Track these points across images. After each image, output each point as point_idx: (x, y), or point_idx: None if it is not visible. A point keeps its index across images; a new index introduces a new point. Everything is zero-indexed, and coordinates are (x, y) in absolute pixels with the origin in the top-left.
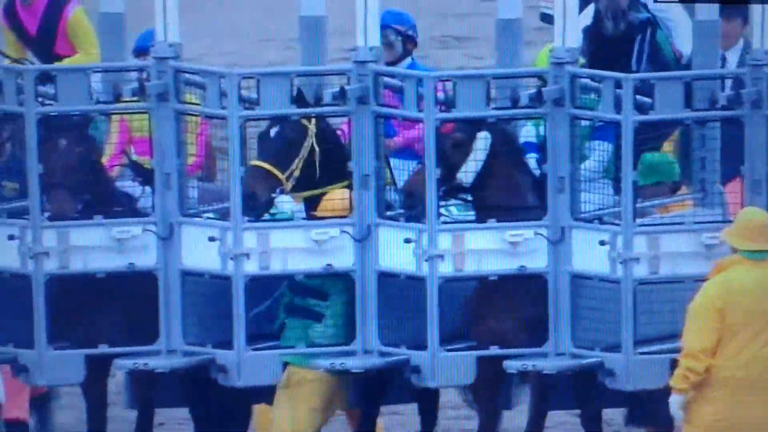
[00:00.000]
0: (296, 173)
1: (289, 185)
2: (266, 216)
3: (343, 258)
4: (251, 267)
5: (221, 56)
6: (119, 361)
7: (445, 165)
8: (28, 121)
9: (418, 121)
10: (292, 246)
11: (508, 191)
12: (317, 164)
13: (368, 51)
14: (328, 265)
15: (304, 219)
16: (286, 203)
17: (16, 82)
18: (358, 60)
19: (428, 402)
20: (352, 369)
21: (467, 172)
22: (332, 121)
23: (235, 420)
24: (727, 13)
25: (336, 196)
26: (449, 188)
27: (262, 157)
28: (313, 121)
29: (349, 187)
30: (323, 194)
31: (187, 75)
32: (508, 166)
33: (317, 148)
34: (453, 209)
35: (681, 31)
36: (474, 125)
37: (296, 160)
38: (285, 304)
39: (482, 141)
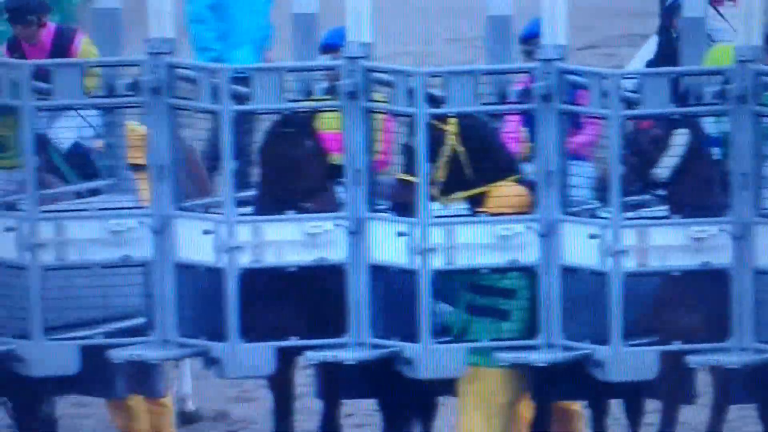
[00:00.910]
0: (440, 178)
1: (435, 190)
2: None
3: (526, 253)
4: (438, 262)
5: (409, 56)
6: (310, 354)
7: (641, 160)
8: (222, 120)
9: (601, 118)
10: (476, 241)
11: (702, 187)
12: (464, 164)
13: (553, 49)
14: (514, 260)
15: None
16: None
17: (210, 81)
18: (544, 58)
19: (635, 400)
20: (535, 363)
21: (663, 168)
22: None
23: (422, 411)
24: None
25: (510, 192)
26: (645, 184)
27: (405, 169)
28: (453, 121)
29: (517, 182)
30: (483, 193)
31: (375, 74)
32: (703, 162)
33: (460, 149)
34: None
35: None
36: (672, 121)
37: (436, 165)
38: (466, 304)
39: (680, 137)
